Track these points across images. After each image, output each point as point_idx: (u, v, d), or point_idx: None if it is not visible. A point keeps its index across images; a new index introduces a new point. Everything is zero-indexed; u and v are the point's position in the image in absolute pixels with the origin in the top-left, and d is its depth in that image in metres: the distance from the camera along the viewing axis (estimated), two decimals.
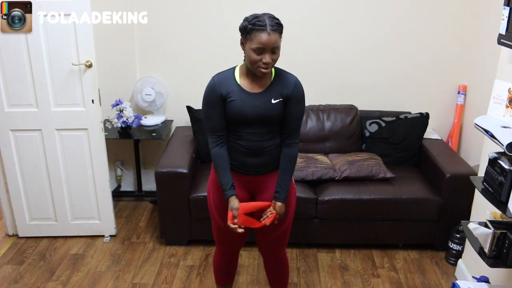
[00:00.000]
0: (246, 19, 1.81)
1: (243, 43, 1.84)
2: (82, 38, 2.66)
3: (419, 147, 3.22)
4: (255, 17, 1.78)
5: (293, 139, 1.99)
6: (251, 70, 1.87)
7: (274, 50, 1.78)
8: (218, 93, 1.90)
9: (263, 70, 1.81)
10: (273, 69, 1.94)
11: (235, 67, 1.95)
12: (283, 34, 1.82)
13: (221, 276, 2.36)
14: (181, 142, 3.21)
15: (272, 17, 1.79)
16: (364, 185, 2.88)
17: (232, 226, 1.91)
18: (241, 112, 1.89)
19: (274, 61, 1.82)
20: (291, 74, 1.96)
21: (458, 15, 3.22)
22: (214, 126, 1.95)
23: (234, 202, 1.93)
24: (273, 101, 1.90)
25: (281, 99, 1.91)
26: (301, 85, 1.95)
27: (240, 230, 1.91)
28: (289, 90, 1.91)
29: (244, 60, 1.89)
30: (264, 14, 1.80)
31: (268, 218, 1.97)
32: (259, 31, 1.74)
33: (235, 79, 1.91)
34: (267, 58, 1.77)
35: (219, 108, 1.91)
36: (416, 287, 2.68)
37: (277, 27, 1.77)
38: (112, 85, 3.34)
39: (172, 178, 2.82)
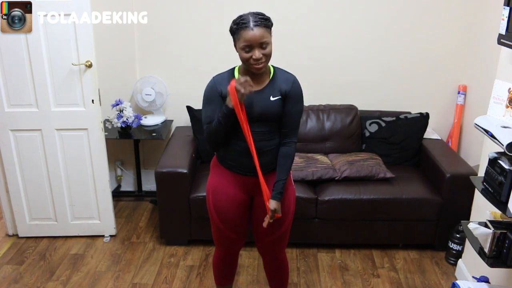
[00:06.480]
0: (232, 21, 1.83)
1: (235, 45, 1.86)
2: (82, 38, 2.66)
3: (419, 147, 3.22)
4: (239, 17, 1.82)
5: (291, 138, 1.98)
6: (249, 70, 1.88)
7: (262, 45, 1.78)
8: (218, 92, 1.91)
9: (257, 66, 1.81)
10: (271, 67, 1.95)
11: (234, 67, 1.96)
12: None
13: (220, 276, 2.36)
14: (181, 142, 3.21)
15: (256, 14, 1.81)
16: (364, 185, 2.88)
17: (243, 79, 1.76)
18: None
19: (266, 55, 1.81)
20: (289, 72, 1.98)
21: (458, 15, 3.22)
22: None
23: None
24: (272, 99, 1.90)
25: (280, 97, 1.92)
26: (299, 84, 1.96)
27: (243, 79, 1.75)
28: (287, 87, 1.92)
29: None
30: (249, 12, 1.82)
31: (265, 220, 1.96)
32: (243, 29, 1.77)
33: (235, 78, 1.91)
34: (256, 54, 1.78)
35: (218, 106, 1.92)
36: (416, 287, 2.68)
37: (261, 21, 1.78)
38: (112, 85, 3.34)
39: (172, 178, 2.82)
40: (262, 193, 2.00)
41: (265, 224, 1.94)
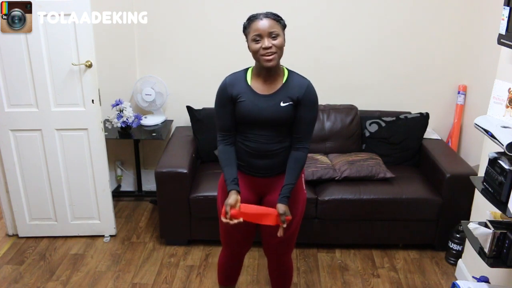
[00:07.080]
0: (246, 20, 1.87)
1: (248, 44, 1.86)
2: (82, 38, 2.66)
3: (419, 147, 3.22)
4: (252, 14, 1.85)
5: (303, 144, 1.95)
6: (262, 71, 1.87)
7: (271, 35, 1.79)
8: (228, 94, 1.91)
9: (267, 58, 1.80)
10: (286, 71, 1.94)
11: (247, 68, 1.96)
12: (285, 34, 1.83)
13: (224, 276, 2.35)
14: (181, 142, 3.21)
15: (269, 12, 1.84)
16: (364, 185, 2.88)
17: (224, 220, 1.87)
18: (249, 113, 1.89)
19: (277, 47, 1.80)
20: (304, 77, 1.94)
21: (458, 15, 3.22)
22: (223, 125, 1.97)
23: (230, 197, 1.89)
24: (282, 104, 1.88)
25: (291, 103, 1.89)
26: (314, 89, 1.93)
27: (232, 222, 1.85)
28: (300, 93, 1.89)
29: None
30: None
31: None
32: (253, 21, 1.81)
33: (246, 80, 1.92)
34: (265, 42, 1.78)
35: (229, 108, 1.93)
36: (416, 287, 2.68)
37: (271, 15, 1.82)
38: (112, 85, 3.34)
39: (172, 178, 2.82)
40: (270, 193, 2.01)
41: (279, 233, 1.89)
